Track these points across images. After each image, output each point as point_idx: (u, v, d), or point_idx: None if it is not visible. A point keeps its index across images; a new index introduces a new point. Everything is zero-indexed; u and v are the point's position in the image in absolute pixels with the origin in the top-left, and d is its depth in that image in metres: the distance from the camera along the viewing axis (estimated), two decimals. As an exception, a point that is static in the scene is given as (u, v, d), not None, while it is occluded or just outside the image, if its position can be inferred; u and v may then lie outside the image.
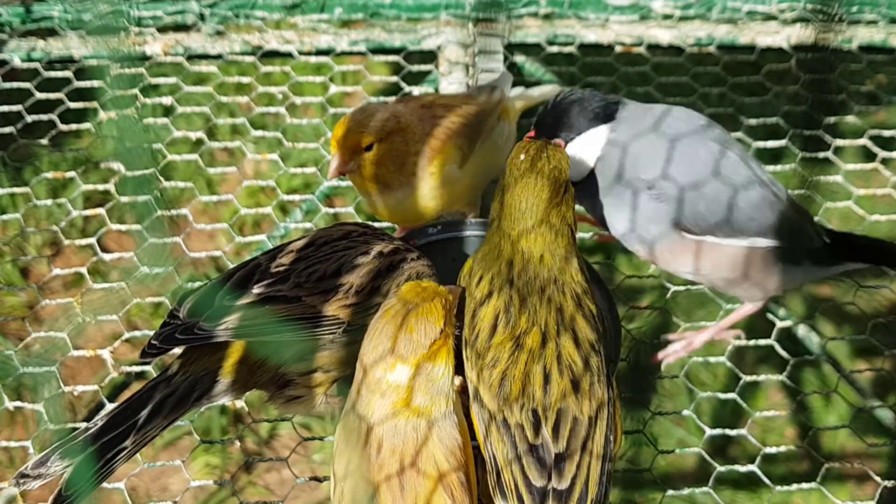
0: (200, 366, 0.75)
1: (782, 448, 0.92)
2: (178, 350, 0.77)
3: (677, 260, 0.79)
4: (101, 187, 1.15)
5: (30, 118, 1.19)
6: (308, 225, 1.10)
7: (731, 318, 0.83)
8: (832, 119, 1.22)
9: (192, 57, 1.30)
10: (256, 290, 0.75)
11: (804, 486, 0.89)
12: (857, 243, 0.79)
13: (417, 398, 0.63)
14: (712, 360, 0.99)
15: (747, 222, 0.76)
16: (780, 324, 1.01)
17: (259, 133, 1.25)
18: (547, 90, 1.09)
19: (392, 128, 0.88)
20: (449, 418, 0.65)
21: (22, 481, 0.68)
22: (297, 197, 1.21)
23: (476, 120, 0.95)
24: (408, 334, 0.63)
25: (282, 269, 0.77)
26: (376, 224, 0.93)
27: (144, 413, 0.72)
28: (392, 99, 1.17)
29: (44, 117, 1.18)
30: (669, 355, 0.80)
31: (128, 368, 0.96)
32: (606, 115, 0.78)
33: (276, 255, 0.79)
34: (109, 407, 0.71)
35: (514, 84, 1.25)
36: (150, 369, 0.98)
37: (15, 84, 1.25)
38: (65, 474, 0.68)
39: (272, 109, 1.27)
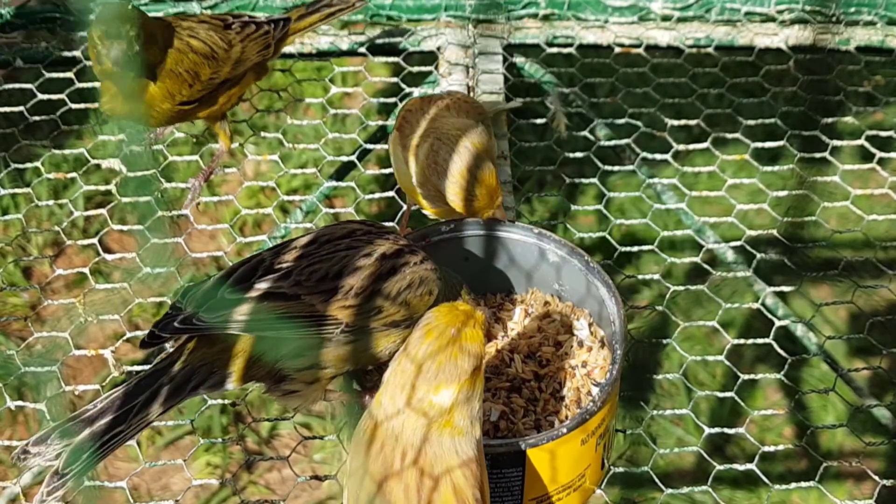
0: (199, 356, 0.76)
1: (780, 447, 0.92)
2: (180, 341, 0.78)
3: None
4: (102, 188, 1.16)
5: (32, 119, 1.19)
6: (308, 225, 1.11)
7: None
8: (830, 120, 1.23)
9: (194, 58, 1.30)
10: (259, 285, 0.76)
11: (802, 484, 0.89)
12: None
13: (456, 419, 0.66)
14: (710, 359, 1.00)
15: None
16: (778, 322, 1.01)
17: (260, 134, 1.25)
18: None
19: None
20: (471, 436, 0.67)
21: (23, 456, 0.71)
22: (297, 197, 1.21)
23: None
24: (453, 360, 0.66)
25: (285, 265, 0.77)
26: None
27: (142, 399, 0.74)
28: (390, 98, 1.17)
29: (45, 118, 1.19)
30: None
31: (129, 368, 0.97)
32: None
33: (280, 252, 0.79)
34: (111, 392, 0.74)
35: (513, 86, 1.26)
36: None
37: (17, 85, 1.25)
38: (63, 454, 0.71)
39: (273, 110, 1.27)
